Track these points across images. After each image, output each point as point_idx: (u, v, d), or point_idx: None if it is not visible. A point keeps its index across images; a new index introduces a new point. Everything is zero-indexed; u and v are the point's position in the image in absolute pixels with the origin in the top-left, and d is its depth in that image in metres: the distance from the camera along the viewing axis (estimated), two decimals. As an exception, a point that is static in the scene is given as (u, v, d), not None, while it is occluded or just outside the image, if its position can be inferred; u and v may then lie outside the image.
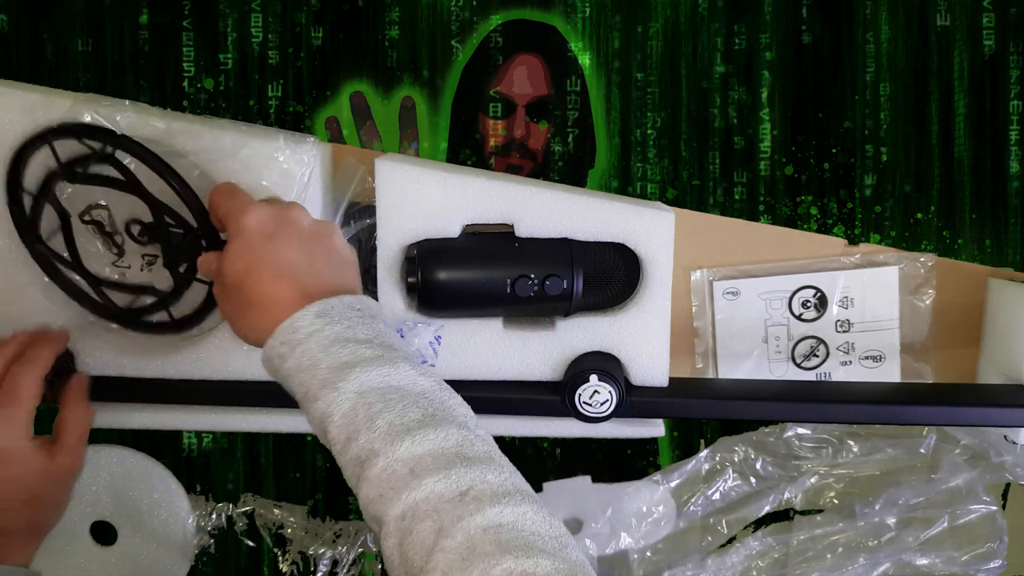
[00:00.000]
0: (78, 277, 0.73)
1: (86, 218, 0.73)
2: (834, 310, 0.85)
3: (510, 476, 0.50)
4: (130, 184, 0.68)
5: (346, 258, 0.62)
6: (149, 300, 0.74)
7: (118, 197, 0.73)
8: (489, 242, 0.73)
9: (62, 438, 0.66)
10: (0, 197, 0.72)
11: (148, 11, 0.86)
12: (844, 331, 0.86)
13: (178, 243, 0.69)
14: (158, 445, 0.92)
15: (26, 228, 0.71)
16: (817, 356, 0.87)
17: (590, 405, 0.72)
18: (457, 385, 0.75)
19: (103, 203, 0.73)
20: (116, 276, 0.75)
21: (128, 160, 0.69)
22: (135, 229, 0.73)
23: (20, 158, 0.70)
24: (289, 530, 0.93)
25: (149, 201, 0.68)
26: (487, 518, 0.46)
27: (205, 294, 0.73)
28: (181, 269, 0.71)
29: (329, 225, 0.63)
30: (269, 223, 0.59)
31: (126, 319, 0.74)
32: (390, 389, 0.51)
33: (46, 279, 0.74)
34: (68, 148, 0.69)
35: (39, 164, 0.70)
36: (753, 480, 0.90)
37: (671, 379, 0.77)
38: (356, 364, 0.52)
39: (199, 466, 0.93)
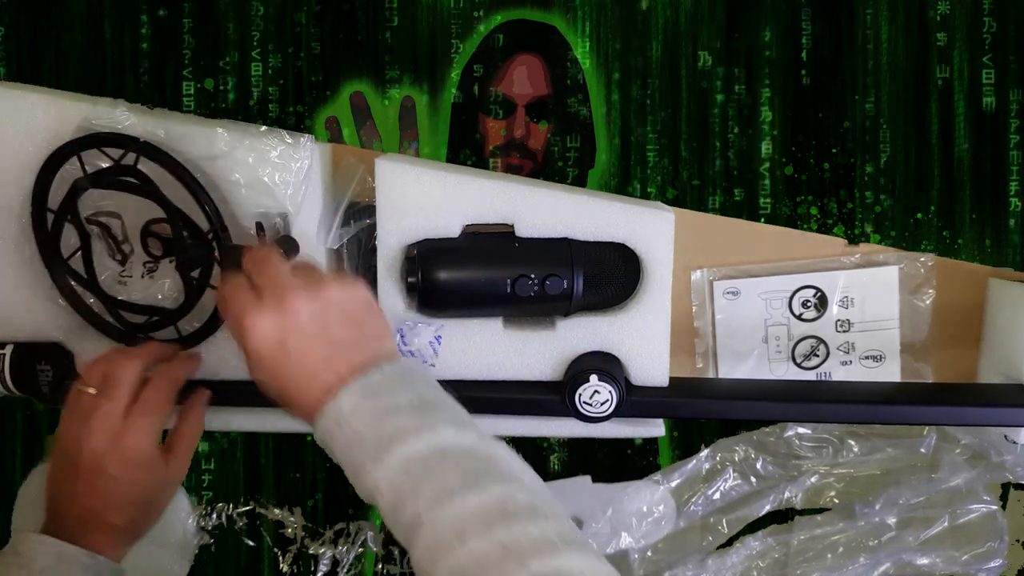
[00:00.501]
0: (93, 298, 0.74)
1: (93, 220, 0.73)
2: (834, 310, 0.85)
3: (554, 524, 0.50)
4: (147, 190, 0.69)
5: (361, 311, 0.61)
6: (156, 318, 0.74)
7: (125, 203, 0.73)
8: (489, 242, 0.73)
9: (175, 449, 0.68)
10: (9, 205, 0.72)
11: (148, 11, 0.86)
12: (844, 331, 0.86)
13: (192, 249, 0.69)
14: (158, 445, 0.92)
15: (47, 244, 0.72)
16: (817, 356, 0.87)
17: (590, 405, 0.72)
18: (457, 385, 0.76)
19: (115, 211, 0.74)
20: (118, 283, 0.75)
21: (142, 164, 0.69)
22: (151, 241, 0.73)
23: (49, 169, 0.70)
24: (289, 530, 0.93)
25: (167, 207, 0.68)
26: (530, 572, 0.47)
27: (212, 310, 0.73)
28: (195, 275, 0.71)
29: (356, 289, 0.61)
30: (275, 336, 0.58)
31: (133, 339, 0.75)
32: (432, 455, 0.53)
33: (49, 281, 0.75)
34: (90, 157, 0.69)
35: (59, 175, 0.71)
36: (753, 480, 0.90)
37: (671, 379, 0.76)
38: (398, 436, 0.53)
39: (199, 466, 0.93)
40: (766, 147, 0.86)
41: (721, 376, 0.87)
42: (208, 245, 0.70)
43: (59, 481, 0.65)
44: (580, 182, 0.87)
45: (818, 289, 0.85)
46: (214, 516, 0.92)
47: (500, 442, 0.56)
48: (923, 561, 0.88)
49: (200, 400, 0.72)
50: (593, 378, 0.71)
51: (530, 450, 0.92)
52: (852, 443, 0.90)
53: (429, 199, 0.72)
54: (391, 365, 0.58)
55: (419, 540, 0.50)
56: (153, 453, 0.65)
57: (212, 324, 0.74)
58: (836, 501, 0.91)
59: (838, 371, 0.86)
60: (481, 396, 0.75)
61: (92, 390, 0.65)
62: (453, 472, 0.52)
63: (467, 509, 0.50)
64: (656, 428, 0.81)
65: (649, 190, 0.86)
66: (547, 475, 0.92)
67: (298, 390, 0.58)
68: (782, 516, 0.91)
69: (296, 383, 0.58)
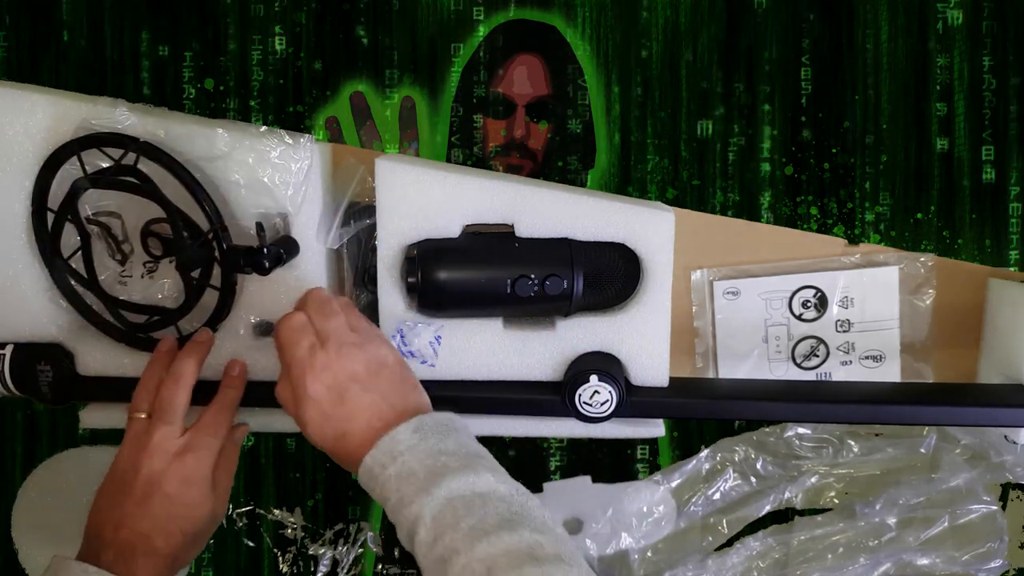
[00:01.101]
0: (93, 297, 0.74)
1: (94, 220, 0.73)
2: (834, 310, 0.85)
3: (575, 573, 0.53)
4: (147, 190, 0.69)
5: (402, 368, 0.66)
6: (157, 317, 0.74)
7: (126, 202, 0.73)
8: (489, 242, 0.73)
9: (219, 488, 0.69)
10: (9, 205, 0.72)
11: (147, 11, 0.86)
12: (844, 331, 0.86)
13: (192, 249, 0.69)
14: (158, 445, 0.92)
15: (48, 244, 0.72)
16: (817, 356, 0.86)
17: (590, 405, 0.72)
18: (457, 385, 0.76)
19: (115, 211, 0.74)
20: (118, 283, 0.75)
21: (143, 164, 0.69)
22: (151, 241, 0.73)
23: (49, 169, 0.70)
24: (289, 530, 0.93)
25: (167, 207, 0.68)
26: None
27: (212, 310, 0.73)
28: (195, 275, 0.71)
29: (379, 350, 0.65)
30: (335, 384, 0.62)
31: (133, 338, 0.75)
32: (474, 496, 0.56)
33: (48, 281, 0.75)
34: (90, 157, 0.70)
35: (59, 175, 0.71)
36: (753, 480, 0.90)
37: (671, 379, 0.76)
38: (446, 473, 0.57)
39: (199, 466, 0.92)
40: (766, 147, 0.86)
41: (721, 376, 0.87)
42: (208, 245, 0.70)
43: (107, 507, 0.65)
44: (580, 182, 0.87)
45: (818, 289, 0.85)
46: (214, 516, 0.92)
47: (534, 497, 0.60)
48: (923, 561, 0.88)
49: (241, 436, 0.74)
50: (593, 378, 0.71)
51: (530, 450, 0.92)
52: (852, 443, 0.90)
53: (429, 199, 0.72)
54: (441, 415, 0.63)
55: (451, 570, 0.53)
56: (209, 476, 0.67)
57: (212, 324, 0.74)
58: (836, 501, 0.91)
59: (838, 371, 0.86)
60: (481, 396, 0.75)
61: (143, 415, 0.67)
62: (491, 513, 0.55)
63: (500, 548, 0.53)
64: (656, 428, 0.81)
65: (649, 190, 0.86)
66: (547, 475, 0.92)
67: (348, 433, 0.62)
68: (782, 516, 0.91)
69: (349, 426, 0.62)
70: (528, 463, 0.92)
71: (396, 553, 0.94)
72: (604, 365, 0.73)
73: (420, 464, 0.58)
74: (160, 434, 0.66)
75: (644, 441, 0.91)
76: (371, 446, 0.60)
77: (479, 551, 0.53)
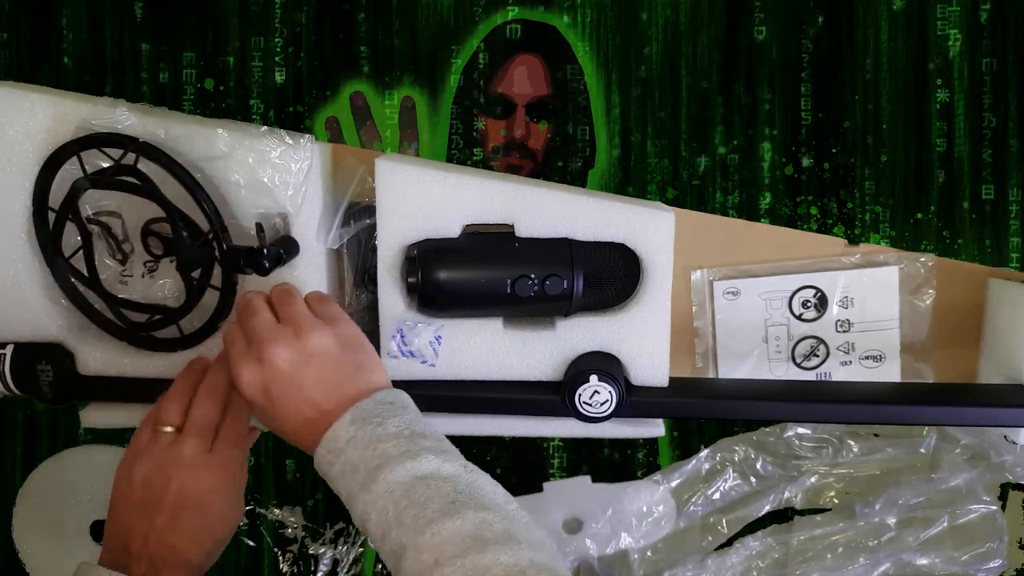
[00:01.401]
0: (94, 295, 0.74)
1: (94, 220, 0.74)
2: (834, 310, 0.85)
3: (527, 552, 0.52)
4: (147, 190, 0.69)
5: (344, 352, 0.64)
6: (158, 316, 0.74)
7: (126, 202, 0.73)
8: (489, 242, 0.73)
9: (241, 493, 0.69)
10: (9, 205, 0.72)
11: (147, 11, 0.86)
12: (844, 331, 0.86)
13: (192, 249, 0.69)
14: (158, 445, 0.92)
15: (49, 243, 0.72)
16: (817, 356, 0.87)
17: (590, 405, 0.72)
18: (457, 385, 0.76)
19: (115, 211, 0.74)
20: (119, 282, 0.75)
21: (143, 164, 0.69)
22: (151, 240, 0.73)
23: (49, 169, 0.70)
24: (289, 530, 0.93)
25: (167, 207, 0.68)
26: None
27: (213, 308, 0.73)
28: (195, 275, 0.71)
29: (304, 340, 0.63)
30: (259, 385, 0.62)
31: (135, 338, 0.75)
32: (415, 482, 0.55)
33: (48, 281, 0.75)
34: (90, 157, 0.70)
35: (59, 175, 0.71)
36: (753, 480, 0.90)
37: (671, 379, 0.76)
38: (384, 465, 0.56)
39: (199, 466, 0.92)
40: (766, 147, 0.86)
41: (721, 376, 0.87)
42: (208, 245, 0.70)
43: (134, 520, 0.65)
44: (580, 182, 0.87)
45: (818, 289, 0.85)
46: (214, 516, 0.92)
47: (484, 472, 0.58)
48: (923, 561, 0.88)
49: (251, 441, 0.74)
50: (593, 378, 0.71)
51: (530, 450, 0.92)
52: (852, 443, 0.90)
53: (429, 199, 0.72)
54: (381, 394, 0.61)
55: (403, 565, 0.52)
56: (236, 485, 0.67)
57: (213, 324, 0.74)
58: (836, 501, 0.91)
59: (838, 371, 0.86)
60: (481, 396, 0.75)
61: (170, 429, 0.67)
62: (433, 499, 0.54)
63: (444, 536, 0.52)
64: (656, 428, 0.80)
65: (649, 190, 0.86)
66: (547, 475, 0.92)
67: (294, 432, 0.62)
68: (782, 516, 0.91)
69: (290, 424, 0.61)
70: (528, 463, 0.92)
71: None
72: (604, 365, 0.73)
73: (360, 457, 0.57)
74: (193, 448, 0.66)
75: (644, 441, 0.91)
76: (316, 441, 0.59)
77: (424, 543, 0.52)
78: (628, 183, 0.87)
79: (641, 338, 0.75)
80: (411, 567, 0.52)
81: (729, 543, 0.91)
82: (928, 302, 0.85)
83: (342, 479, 0.58)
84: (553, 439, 0.92)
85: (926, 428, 0.89)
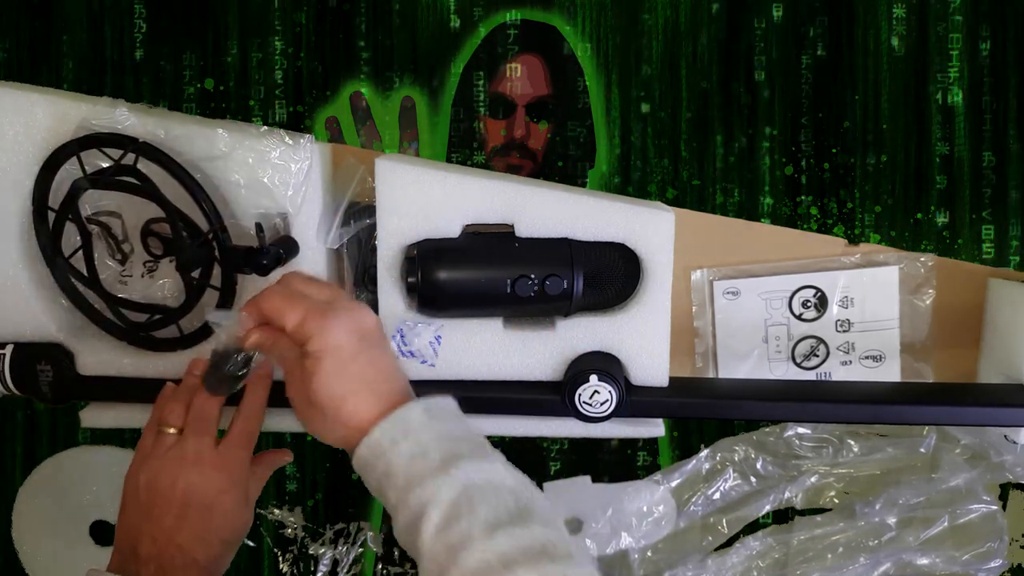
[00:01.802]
0: (94, 295, 0.74)
1: (94, 220, 0.74)
2: (834, 310, 0.85)
3: (590, 573, 0.53)
4: (147, 190, 0.69)
5: (391, 352, 0.65)
6: (158, 316, 0.74)
7: (126, 202, 0.73)
8: (489, 242, 0.73)
9: (251, 498, 0.69)
10: (9, 205, 0.72)
11: (147, 11, 0.86)
12: (844, 331, 0.86)
13: (192, 249, 0.69)
14: (158, 445, 0.92)
15: (49, 243, 0.72)
16: (817, 356, 0.86)
17: (590, 405, 0.72)
18: (457, 385, 0.76)
19: (115, 211, 0.74)
20: (118, 282, 0.75)
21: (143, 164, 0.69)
22: (151, 240, 0.73)
23: (49, 169, 0.70)
24: (289, 530, 0.93)
25: (166, 207, 0.68)
26: None
27: (213, 308, 0.73)
28: (195, 275, 0.71)
29: (379, 321, 0.64)
30: (354, 333, 0.60)
31: (135, 338, 0.75)
32: (487, 484, 0.55)
33: (48, 281, 0.75)
34: (90, 157, 0.70)
35: (59, 175, 0.71)
36: (753, 480, 0.90)
37: (671, 379, 0.76)
38: (463, 457, 0.56)
39: (199, 466, 0.92)
40: (766, 147, 0.86)
41: (721, 376, 0.87)
42: (208, 245, 0.70)
43: (142, 522, 0.65)
44: (580, 182, 0.87)
45: (818, 289, 0.85)
46: (214, 516, 0.92)
47: (537, 488, 0.58)
48: (923, 561, 0.88)
49: (278, 462, 0.74)
50: (593, 378, 0.71)
51: (530, 450, 0.92)
52: (852, 443, 0.90)
53: (429, 199, 0.72)
54: (440, 398, 0.61)
55: (465, 559, 0.51)
56: (243, 484, 0.67)
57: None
58: (836, 501, 0.91)
59: (838, 371, 0.86)
60: (481, 396, 0.75)
61: (173, 430, 0.67)
62: (504, 505, 0.54)
63: (516, 543, 0.52)
64: (656, 428, 0.81)
65: (649, 190, 0.86)
66: (547, 475, 0.92)
67: (358, 394, 0.59)
68: (782, 516, 0.91)
69: (360, 387, 0.59)
70: (528, 463, 0.92)
71: (396, 553, 0.94)
72: (604, 365, 0.73)
73: (435, 444, 0.56)
74: (196, 446, 0.66)
75: (644, 441, 0.91)
76: (380, 417, 0.58)
77: (496, 543, 0.51)
78: (628, 183, 0.87)
79: (641, 338, 0.75)
80: (476, 565, 0.51)
81: (729, 543, 0.91)
82: (928, 302, 0.85)
83: (407, 460, 0.56)
84: (554, 439, 0.92)
85: (926, 428, 0.89)
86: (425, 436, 0.57)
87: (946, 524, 0.87)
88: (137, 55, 0.86)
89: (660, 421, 0.81)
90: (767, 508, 0.90)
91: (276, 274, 0.71)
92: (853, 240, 0.86)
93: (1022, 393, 0.77)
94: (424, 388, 0.74)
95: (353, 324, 0.60)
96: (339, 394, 0.59)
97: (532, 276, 0.71)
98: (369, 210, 0.76)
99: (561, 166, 0.87)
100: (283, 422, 0.77)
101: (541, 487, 0.91)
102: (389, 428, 0.57)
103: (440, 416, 0.59)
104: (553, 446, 0.93)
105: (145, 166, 0.69)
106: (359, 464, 0.58)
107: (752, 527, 0.91)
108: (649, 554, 0.91)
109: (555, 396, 0.74)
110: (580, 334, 0.75)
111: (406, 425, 0.57)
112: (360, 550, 0.94)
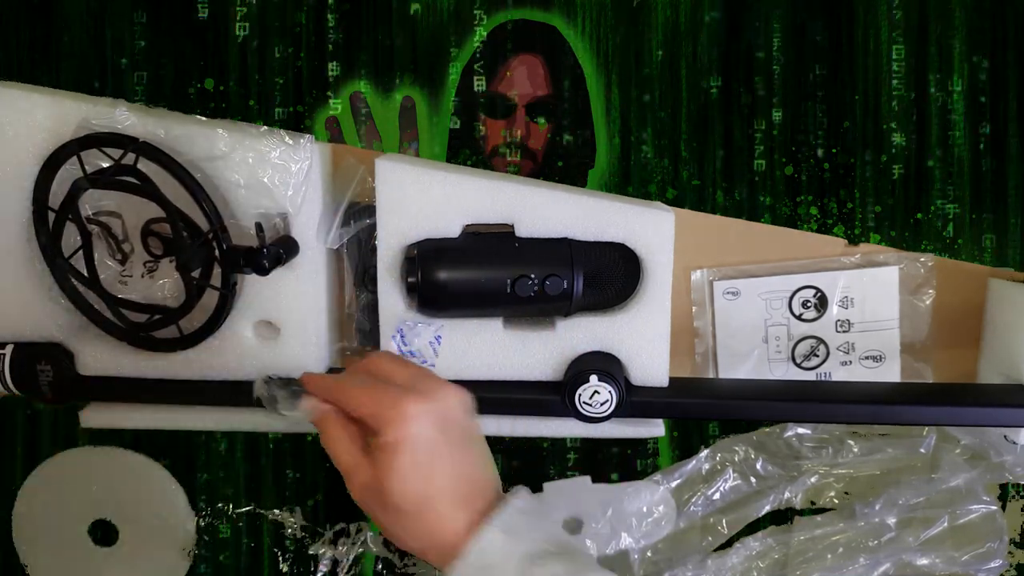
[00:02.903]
0: (94, 295, 0.74)
1: (94, 220, 0.74)
2: (834, 310, 0.85)
3: None
4: (147, 190, 0.69)
5: (481, 437, 0.58)
6: (158, 316, 0.74)
7: (126, 202, 0.73)
8: (489, 242, 0.73)
9: None
10: (9, 205, 0.72)
11: (148, 11, 0.86)
12: (844, 331, 0.86)
13: (192, 249, 0.69)
14: (158, 445, 0.92)
15: (49, 243, 0.72)
16: (817, 356, 0.86)
17: (590, 405, 0.72)
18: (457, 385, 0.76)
19: (115, 210, 0.74)
20: (119, 282, 0.75)
21: (142, 164, 0.69)
22: (151, 240, 0.73)
23: (49, 169, 0.70)
24: (289, 530, 0.93)
25: (167, 207, 0.68)
26: None
27: (213, 308, 0.73)
28: (195, 275, 0.71)
29: (469, 403, 0.57)
30: (434, 430, 0.54)
31: (135, 338, 0.75)
32: None
33: (48, 281, 0.75)
34: (90, 157, 0.70)
35: (59, 175, 0.71)
36: (753, 480, 0.90)
37: (671, 379, 0.76)
38: None
39: (199, 466, 0.93)
40: (766, 147, 0.86)
41: (721, 376, 0.87)
42: (208, 245, 0.70)
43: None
44: (580, 182, 0.87)
45: (818, 289, 0.85)
46: (214, 517, 0.92)
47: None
48: (923, 561, 0.88)
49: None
50: (593, 378, 0.71)
51: (530, 450, 0.92)
52: (852, 443, 0.90)
53: (429, 199, 0.72)
54: (522, 497, 0.55)
55: None
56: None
57: (213, 324, 0.74)
58: (836, 501, 0.91)
59: (838, 371, 0.86)
60: (481, 396, 0.75)
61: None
62: None
63: None
64: (656, 428, 0.81)
65: (649, 190, 0.86)
66: (547, 475, 0.92)
67: (440, 508, 0.53)
68: (782, 516, 0.91)
69: (443, 491, 0.54)
70: (528, 463, 0.92)
71: (395, 553, 0.94)
72: (604, 365, 0.73)
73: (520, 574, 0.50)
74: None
75: (644, 441, 0.91)
76: (467, 532, 0.52)
77: None
78: (628, 183, 0.87)
79: (641, 338, 0.75)
80: None
81: (729, 543, 0.91)
82: (928, 302, 0.85)
83: None
84: (554, 439, 0.92)
85: (926, 428, 0.89)
86: (511, 568, 0.51)
87: (946, 524, 0.87)
88: (137, 55, 0.86)
89: (660, 421, 0.81)
90: (767, 508, 0.90)
91: (276, 274, 0.71)
92: (853, 240, 0.86)
93: (1022, 393, 0.77)
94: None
95: (437, 412, 0.54)
96: (421, 496, 0.53)
97: (532, 276, 0.71)
98: (369, 210, 0.76)
99: (561, 166, 0.87)
100: (280, 423, 0.77)
101: (541, 487, 0.91)
102: (468, 566, 0.52)
103: (519, 530, 0.53)
104: (553, 446, 0.93)
105: (145, 166, 0.69)
106: None
107: (752, 527, 0.91)
108: (649, 554, 0.91)
109: (555, 396, 0.74)
110: (580, 334, 0.75)
111: (485, 559, 0.51)
112: (360, 550, 0.94)
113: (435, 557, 0.53)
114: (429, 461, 0.53)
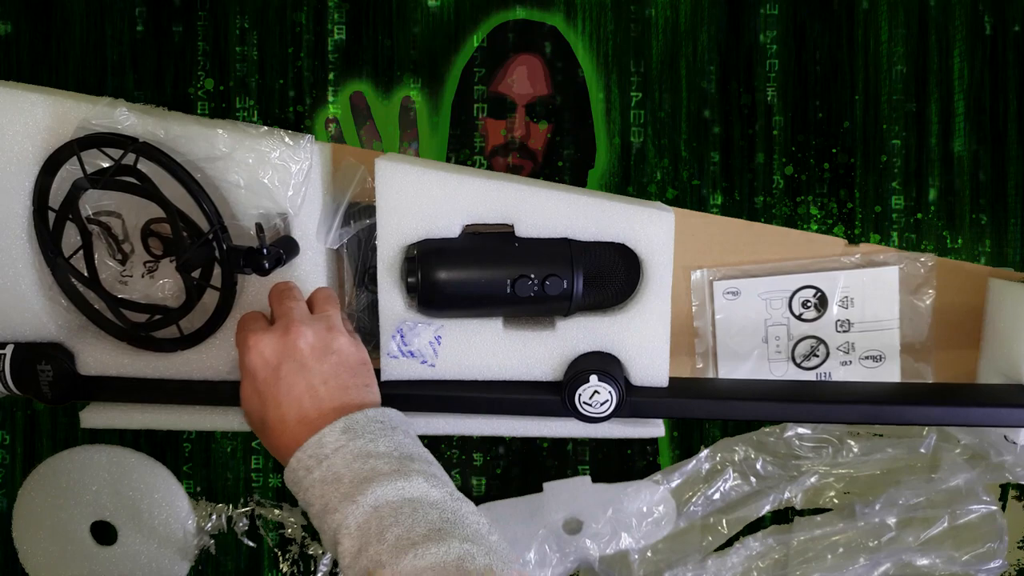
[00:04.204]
0: (94, 295, 0.74)
1: (94, 220, 0.74)
2: (834, 310, 0.85)
3: None
4: (147, 190, 0.69)
5: (358, 364, 0.65)
6: (158, 316, 0.74)
7: (126, 202, 0.73)
8: (489, 242, 0.73)
9: None
10: (9, 205, 0.72)
11: (148, 11, 0.86)
12: (844, 331, 0.86)
13: (192, 249, 0.69)
14: (158, 445, 0.92)
15: (49, 243, 0.72)
16: (817, 356, 0.86)
17: (590, 405, 0.72)
18: (457, 385, 0.76)
19: (115, 211, 0.74)
20: (119, 282, 0.75)
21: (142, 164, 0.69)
22: (151, 240, 0.73)
23: (49, 169, 0.70)
24: (289, 530, 0.93)
25: (167, 207, 0.68)
26: None
27: (213, 308, 0.73)
28: (195, 275, 0.71)
29: (333, 336, 0.64)
30: (272, 358, 0.62)
31: (135, 338, 0.75)
32: (403, 502, 0.54)
33: (48, 281, 0.75)
34: (90, 157, 0.70)
35: (59, 175, 0.71)
36: (753, 480, 0.90)
37: (671, 379, 0.76)
38: (374, 479, 0.55)
39: (199, 466, 0.93)
40: (766, 147, 0.86)
41: (721, 376, 0.87)
42: (208, 246, 0.70)
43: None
44: (580, 182, 0.87)
45: (818, 289, 0.85)
46: (214, 516, 0.92)
47: (469, 501, 0.57)
48: (923, 561, 0.88)
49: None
50: (593, 378, 0.71)
51: (530, 450, 0.92)
52: (852, 443, 0.90)
53: (429, 199, 0.72)
54: (375, 411, 0.61)
55: None
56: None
57: (213, 323, 0.74)
58: (836, 501, 0.91)
59: (838, 371, 0.86)
60: (481, 396, 0.75)
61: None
62: (420, 522, 0.53)
63: (427, 561, 0.51)
64: (656, 428, 0.81)
65: (649, 190, 0.86)
66: (546, 475, 0.92)
67: (280, 420, 0.60)
68: (782, 516, 0.91)
69: (280, 411, 0.60)
70: (528, 463, 0.92)
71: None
72: (604, 365, 0.73)
73: (347, 468, 0.56)
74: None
75: (644, 441, 0.91)
76: (296, 446, 0.58)
77: (405, 564, 0.51)
78: (628, 183, 0.87)
79: (641, 338, 0.75)
80: None
81: (729, 543, 0.91)
82: (928, 302, 0.85)
83: (320, 487, 0.56)
84: (554, 439, 0.92)
85: (926, 428, 0.89)
86: (338, 460, 0.57)
87: (946, 524, 0.87)
88: (138, 55, 0.86)
89: (660, 421, 0.81)
90: (767, 508, 0.90)
91: (276, 274, 0.72)
92: (853, 240, 0.86)
93: (1022, 393, 0.77)
94: (424, 388, 0.75)
95: (270, 348, 0.61)
96: (256, 419, 0.62)
97: (532, 276, 0.71)
98: (369, 210, 0.76)
99: (561, 166, 0.87)
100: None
101: (541, 487, 0.91)
102: (303, 458, 0.58)
103: (363, 433, 0.58)
104: (553, 446, 0.93)
105: (145, 166, 0.69)
106: (287, 485, 0.59)
107: (752, 527, 0.91)
108: (649, 554, 0.91)
109: (555, 396, 0.74)
110: (580, 334, 0.75)
111: (320, 451, 0.57)
112: (360, 550, 0.94)
113: (282, 454, 0.60)
114: (264, 388, 0.61)
